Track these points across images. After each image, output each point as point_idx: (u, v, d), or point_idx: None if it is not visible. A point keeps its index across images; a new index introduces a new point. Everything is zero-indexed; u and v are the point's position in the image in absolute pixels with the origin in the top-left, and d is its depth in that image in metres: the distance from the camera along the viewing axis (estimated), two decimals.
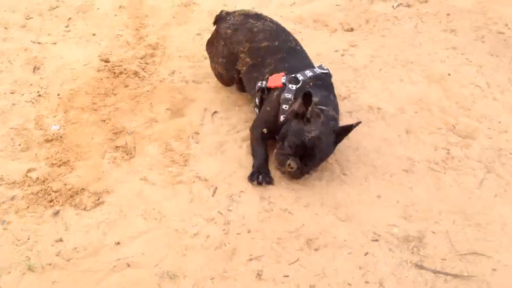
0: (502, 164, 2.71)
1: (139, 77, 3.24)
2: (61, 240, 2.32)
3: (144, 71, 3.32)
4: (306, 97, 2.44)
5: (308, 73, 2.69)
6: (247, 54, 2.87)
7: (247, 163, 2.70)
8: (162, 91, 3.12)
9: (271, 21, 2.98)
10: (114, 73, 3.27)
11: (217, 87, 3.18)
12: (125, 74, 3.25)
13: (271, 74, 2.75)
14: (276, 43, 2.83)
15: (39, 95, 3.08)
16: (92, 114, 2.95)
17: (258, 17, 2.98)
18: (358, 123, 2.55)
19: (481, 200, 2.54)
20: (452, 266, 2.26)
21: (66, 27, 3.76)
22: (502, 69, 3.34)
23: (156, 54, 3.50)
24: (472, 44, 3.57)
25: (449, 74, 3.27)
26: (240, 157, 2.74)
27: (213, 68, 3.11)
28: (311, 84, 2.66)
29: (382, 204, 2.54)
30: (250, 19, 2.94)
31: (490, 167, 2.69)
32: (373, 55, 3.50)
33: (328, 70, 2.77)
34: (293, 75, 2.68)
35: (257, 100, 2.78)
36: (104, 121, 2.93)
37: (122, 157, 2.73)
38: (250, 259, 2.29)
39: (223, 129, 2.91)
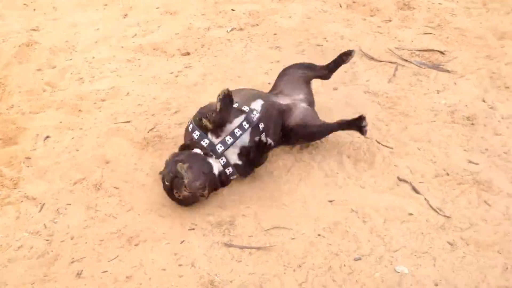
0: (309, 153, 3.04)
1: None
2: None
3: None
4: None
5: None
6: None
7: (76, 179, 2.87)
8: None
9: None
10: None
11: (53, 115, 3.32)
12: None
13: None
14: None
15: None
16: None
17: None
18: None
19: (288, 184, 2.85)
20: (257, 241, 2.53)
21: None
22: None
23: None
24: (294, 57, 3.96)
25: (269, 83, 3.61)
26: (69, 174, 2.89)
27: None
28: None
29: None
30: None
31: (299, 157, 3.02)
32: (205, 73, 3.80)
33: None
34: None
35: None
36: None
37: None
38: (72, 262, 2.44)
39: (55, 151, 3.06)
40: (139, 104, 3.46)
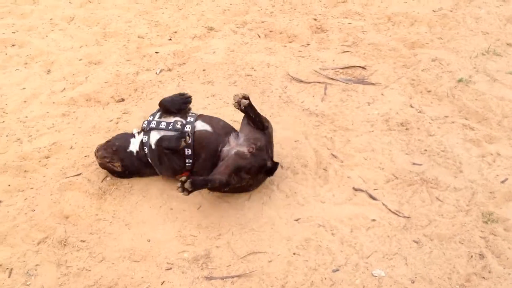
0: (267, 178, 3.15)
1: None
2: None
3: None
4: None
5: None
6: None
7: (39, 239, 2.82)
8: None
9: None
10: None
11: None
12: None
13: None
14: None
15: None
16: None
17: None
18: None
19: (252, 209, 2.95)
20: (237, 269, 2.61)
21: None
22: (254, 103, 3.89)
23: None
24: (227, 89, 4.11)
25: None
26: (31, 235, 2.83)
27: None
28: None
29: (168, 237, 2.81)
30: None
31: None
32: (145, 116, 3.81)
33: None
34: None
35: None
36: None
37: None
38: None
39: (10, 215, 2.98)
40: (86, 156, 3.44)
